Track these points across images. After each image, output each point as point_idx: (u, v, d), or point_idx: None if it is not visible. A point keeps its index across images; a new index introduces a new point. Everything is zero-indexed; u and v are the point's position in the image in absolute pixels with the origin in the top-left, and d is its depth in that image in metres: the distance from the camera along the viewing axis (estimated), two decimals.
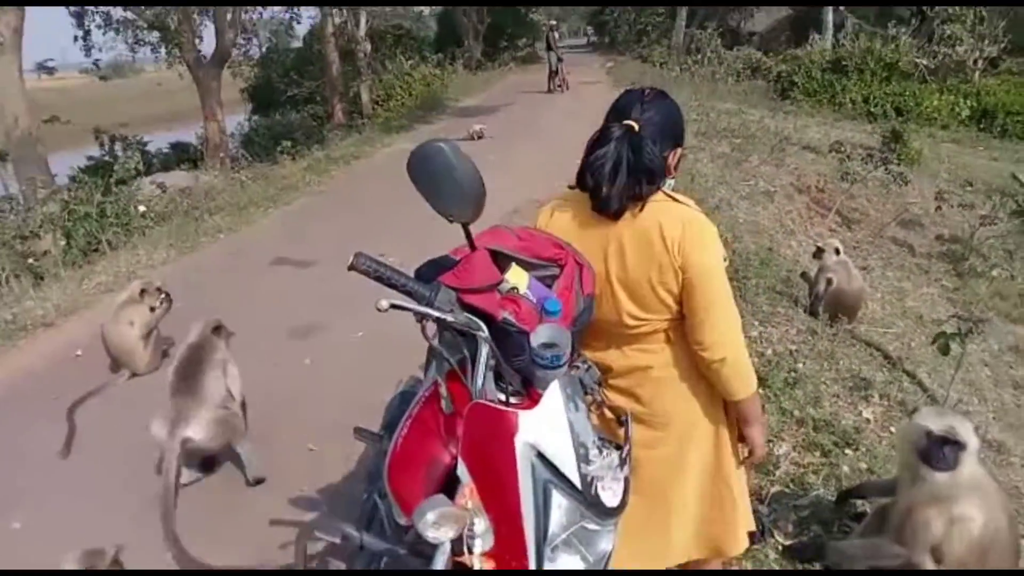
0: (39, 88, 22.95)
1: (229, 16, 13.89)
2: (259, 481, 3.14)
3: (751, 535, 2.02)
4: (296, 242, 6.67)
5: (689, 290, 1.72)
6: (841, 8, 21.28)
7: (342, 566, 2.23)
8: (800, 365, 4.01)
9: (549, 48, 17.50)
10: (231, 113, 18.68)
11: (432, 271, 1.62)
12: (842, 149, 9.92)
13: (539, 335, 1.57)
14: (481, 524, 1.45)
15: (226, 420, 3.07)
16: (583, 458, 1.47)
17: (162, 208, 8.61)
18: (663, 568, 1.97)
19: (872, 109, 16.50)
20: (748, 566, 2.54)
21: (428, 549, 1.53)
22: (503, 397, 1.60)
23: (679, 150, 1.82)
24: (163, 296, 4.26)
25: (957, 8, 17.10)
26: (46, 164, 9.32)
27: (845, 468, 3.06)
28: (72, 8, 15.78)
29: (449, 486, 1.53)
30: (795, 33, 24.51)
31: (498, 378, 1.62)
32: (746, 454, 1.94)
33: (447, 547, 1.48)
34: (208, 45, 14.74)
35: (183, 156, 16.11)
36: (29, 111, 8.93)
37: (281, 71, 23.31)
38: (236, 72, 21.63)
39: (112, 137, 15.89)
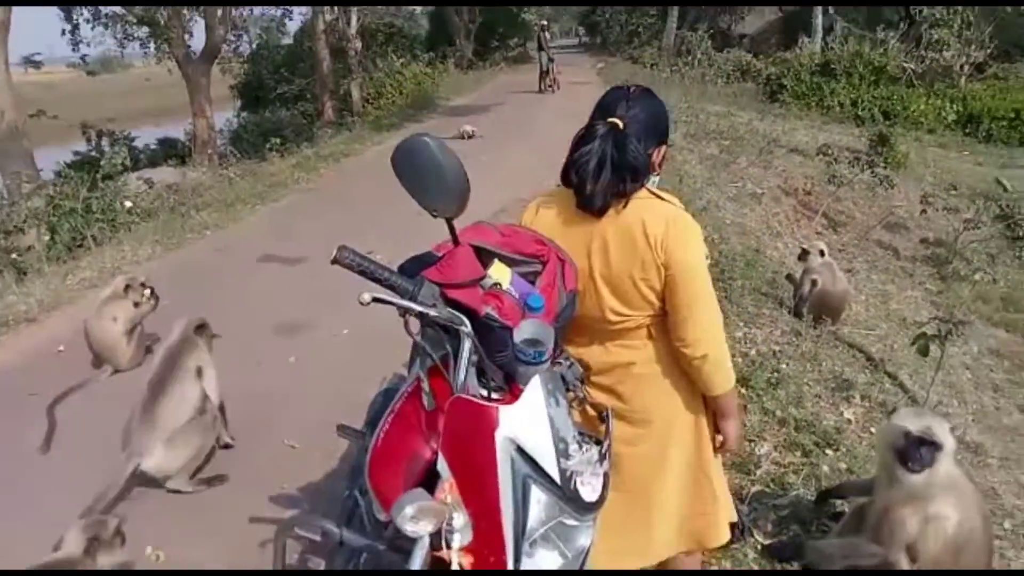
0: (25, 82, 22.78)
1: (220, 12, 13.83)
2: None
3: (732, 526, 2.05)
4: (283, 239, 6.65)
5: (672, 287, 1.74)
6: (831, 11, 21.41)
7: (321, 564, 2.23)
8: (783, 366, 4.04)
9: (540, 48, 17.53)
10: (220, 110, 18.58)
11: (416, 266, 1.62)
12: (829, 152, 10.01)
13: (522, 331, 1.58)
14: (460, 519, 1.45)
15: (187, 443, 2.99)
16: (563, 453, 1.48)
17: (148, 204, 8.55)
18: (645, 565, 1.98)
19: (860, 112, 16.62)
20: (727, 565, 2.56)
21: (408, 544, 1.53)
22: (485, 393, 1.61)
23: (664, 147, 1.84)
24: (148, 292, 4.24)
25: (944, 13, 17.25)
26: (31, 159, 9.22)
27: (825, 468, 3.09)
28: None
29: (430, 482, 1.53)
30: (785, 36, 24.68)
31: (481, 374, 1.64)
32: (719, 444, 1.96)
33: (426, 542, 1.48)
34: (198, 41, 14.69)
35: (171, 152, 16.01)
36: (15, 105, 8.84)
37: (271, 68, 23.23)
38: (226, 68, 21.53)
39: (99, 132, 15.77)
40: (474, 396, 1.55)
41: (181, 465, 3.00)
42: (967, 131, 16.39)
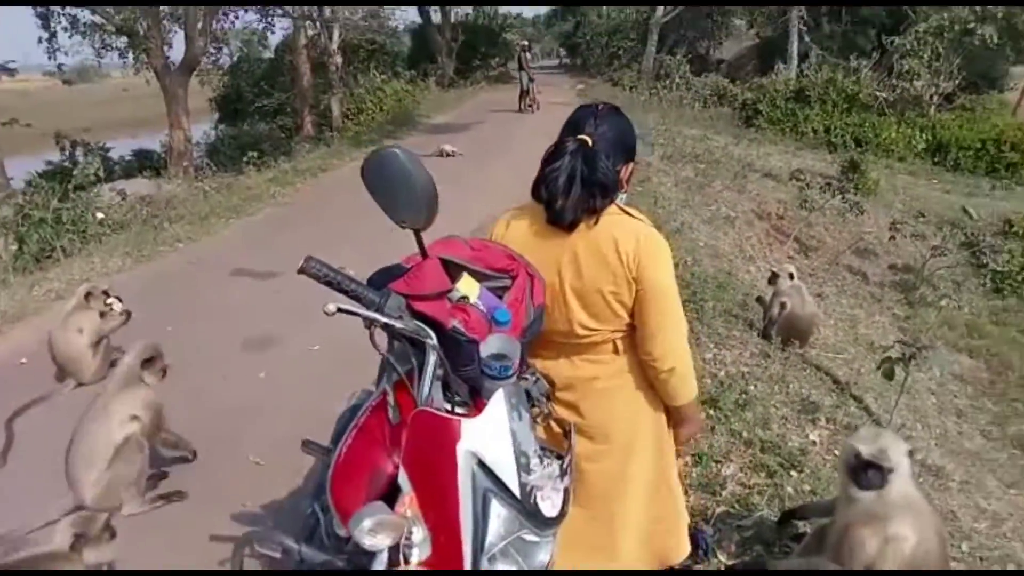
0: None
1: (200, 24, 13.77)
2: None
3: (692, 540, 2.11)
4: (257, 253, 6.60)
5: (642, 304, 1.78)
6: (806, 39, 21.86)
7: None
8: (752, 387, 4.09)
9: (521, 68, 17.65)
10: (198, 122, 18.47)
11: (384, 278, 1.63)
12: (802, 177, 10.20)
13: (489, 346, 1.59)
14: (419, 533, 1.46)
15: (117, 478, 2.92)
16: (524, 467, 1.49)
17: (121, 216, 8.45)
18: None
19: (833, 139, 16.95)
20: None
21: (366, 561, 1.53)
22: (449, 407, 1.62)
23: (631, 164, 1.88)
24: (112, 301, 4.18)
25: (915, 44, 17.69)
26: (2, 167, 9.10)
27: (789, 489, 3.12)
28: (38, 9, 15.52)
29: (393, 496, 1.53)
30: (761, 62, 25.14)
31: (446, 388, 1.64)
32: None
33: (384, 557, 1.48)
34: (177, 52, 14.60)
35: (146, 164, 15.86)
36: None
37: (251, 81, 23.15)
38: (205, 80, 21.41)
39: (73, 142, 15.58)
40: (438, 410, 1.55)
41: (118, 498, 2.94)
42: (936, 160, 16.77)
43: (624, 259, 1.75)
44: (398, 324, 1.50)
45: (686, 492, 3.09)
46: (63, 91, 24.33)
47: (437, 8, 28.22)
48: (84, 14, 15.61)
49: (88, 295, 4.14)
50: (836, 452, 3.55)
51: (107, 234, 7.71)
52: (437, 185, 1.55)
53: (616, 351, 1.88)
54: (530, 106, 17.53)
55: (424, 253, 1.61)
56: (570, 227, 1.77)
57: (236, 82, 23.62)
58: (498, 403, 1.50)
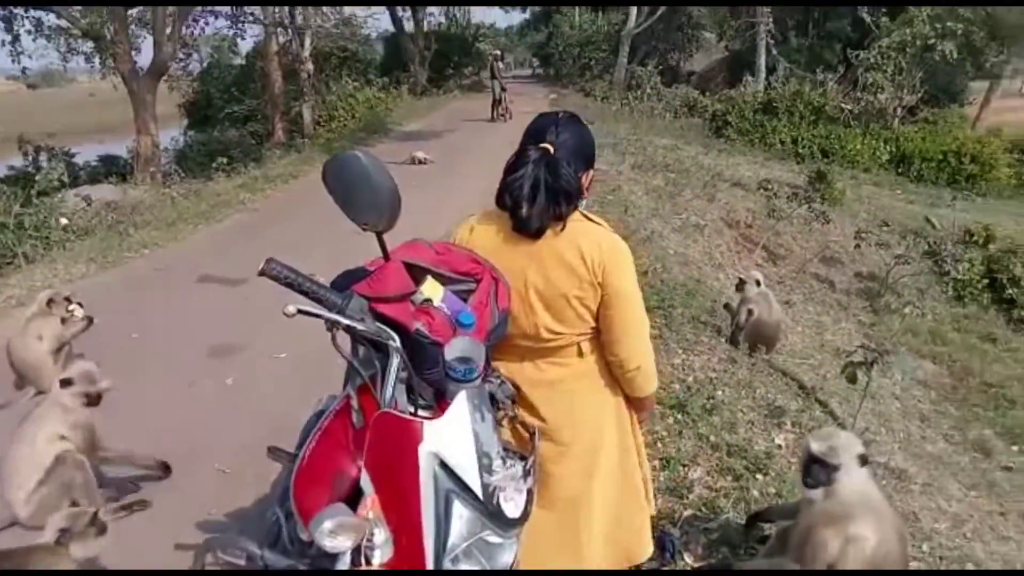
0: None
1: (169, 29, 13.62)
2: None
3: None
4: (225, 260, 6.52)
5: (607, 308, 1.82)
6: (773, 52, 22.25)
7: None
8: (719, 392, 4.13)
9: (493, 77, 17.71)
10: (166, 128, 18.23)
11: (347, 282, 1.63)
12: (770, 187, 10.36)
13: (453, 348, 1.59)
14: (381, 535, 1.45)
15: (50, 496, 2.85)
16: (486, 468, 1.49)
17: (86, 222, 8.32)
18: None
19: (800, 150, 17.25)
20: None
21: (329, 564, 1.51)
22: (413, 410, 1.61)
23: (591, 172, 1.89)
24: (74, 307, 4.10)
25: (879, 58, 18.10)
26: None
27: (755, 492, 3.15)
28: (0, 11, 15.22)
29: (356, 500, 1.52)
30: (730, 74, 25.50)
31: (411, 392, 1.64)
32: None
33: (347, 559, 1.47)
34: (146, 57, 14.42)
35: (112, 169, 15.59)
36: None
37: (221, 87, 22.92)
38: (174, 86, 21.16)
39: (37, 147, 15.30)
40: (401, 412, 1.55)
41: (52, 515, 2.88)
42: (900, 171, 17.17)
43: (589, 265, 1.78)
44: (360, 326, 1.49)
45: (654, 495, 3.12)
46: (27, 95, 23.90)
47: (410, 16, 28.25)
48: (49, 17, 15.32)
49: (50, 302, 4.05)
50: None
51: (71, 240, 7.57)
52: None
53: (580, 354, 1.90)
54: (502, 115, 17.58)
55: (386, 255, 1.61)
56: (536, 235, 1.78)
57: (206, 88, 23.38)
58: (460, 404, 1.50)
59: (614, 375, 1.93)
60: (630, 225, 7.57)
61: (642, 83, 22.44)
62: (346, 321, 1.48)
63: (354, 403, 1.63)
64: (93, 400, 3.00)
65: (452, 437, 1.47)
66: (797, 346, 6.51)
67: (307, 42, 19.01)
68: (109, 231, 7.74)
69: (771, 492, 3.17)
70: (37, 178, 8.98)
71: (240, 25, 18.19)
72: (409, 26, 28.56)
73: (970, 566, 3.05)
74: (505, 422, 1.83)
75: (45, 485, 2.83)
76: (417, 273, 1.69)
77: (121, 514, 2.97)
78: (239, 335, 4.82)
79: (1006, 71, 22.25)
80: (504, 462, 1.55)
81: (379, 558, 1.44)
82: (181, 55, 17.84)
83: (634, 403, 2.01)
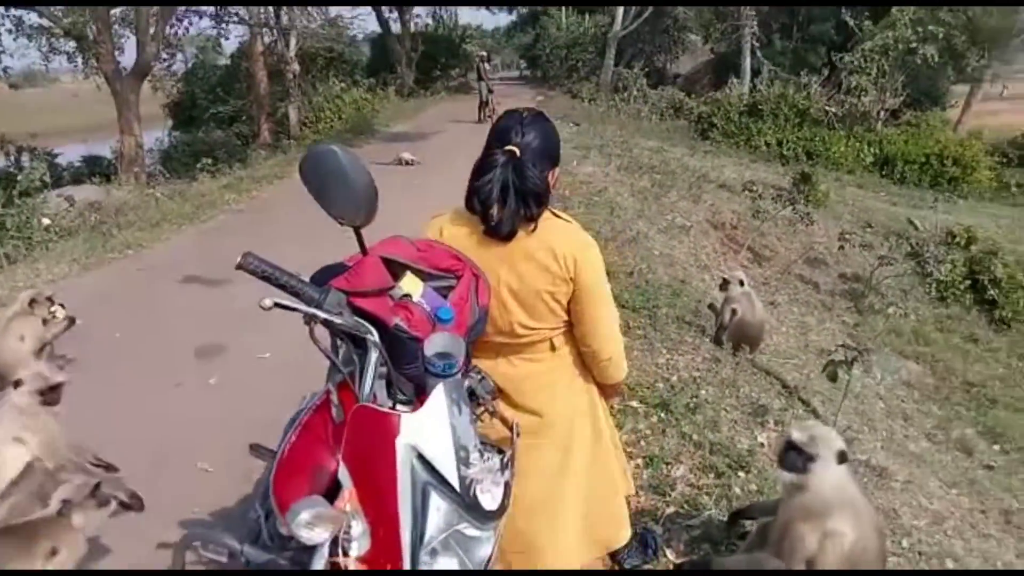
0: None
1: (152, 29, 13.54)
2: None
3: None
4: (209, 260, 6.49)
5: (579, 303, 1.86)
6: (758, 54, 22.41)
7: None
8: (703, 391, 4.15)
9: (480, 78, 17.73)
10: (151, 128, 18.11)
11: (326, 277, 1.62)
12: (754, 188, 10.42)
13: (433, 344, 1.60)
14: (358, 527, 1.45)
15: (18, 500, 2.76)
16: (463, 461, 1.50)
17: (69, 222, 8.26)
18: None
19: (785, 152, 17.39)
20: None
21: (307, 558, 1.51)
22: (392, 404, 1.62)
23: (556, 170, 1.91)
24: (57, 308, 4.07)
25: (862, 61, 18.28)
26: None
27: (737, 490, 3.17)
28: None
29: (335, 495, 1.52)
30: (716, 76, 25.64)
31: (391, 387, 1.64)
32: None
33: (324, 551, 1.47)
34: (129, 57, 14.32)
35: (96, 170, 15.47)
36: None
37: (206, 88, 22.80)
38: (158, 86, 21.03)
39: (19, 147, 15.15)
40: (380, 406, 1.55)
41: (32, 512, 2.83)
42: (883, 173, 17.34)
43: (562, 263, 1.81)
44: (337, 320, 1.49)
45: (636, 494, 3.13)
46: (9, 95, 23.63)
47: (397, 18, 28.21)
48: (30, 16, 15.20)
49: (32, 302, 4.01)
50: None
51: (53, 240, 7.51)
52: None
53: (553, 349, 1.94)
54: (489, 116, 17.58)
55: (364, 250, 1.62)
56: (508, 238, 1.80)
57: (191, 88, 23.25)
58: (438, 398, 1.51)
59: (586, 367, 1.99)
60: (616, 226, 7.60)
61: (628, 85, 22.56)
62: (323, 315, 1.48)
63: (334, 398, 1.63)
64: (50, 399, 2.94)
65: (429, 430, 1.47)
66: (781, 346, 6.56)
67: (292, 42, 18.96)
68: (92, 232, 7.68)
69: (753, 489, 3.19)
70: (19, 178, 8.88)
71: (224, 25, 18.10)
72: (396, 27, 28.54)
73: (949, 563, 3.09)
74: (485, 417, 1.84)
75: (18, 487, 2.80)
76: (397, 269, 1.69)
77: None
78: (223, 335, 4.80)
79: (986, 75, 22.49)
80: (482, 455, 1.56)
81: (356, 550, 1.44)
82: (165, 55, 17.74)
83: (604, 389, 2.07)
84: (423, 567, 1.46)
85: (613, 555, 2.70)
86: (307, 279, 1.63)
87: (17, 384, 2.87)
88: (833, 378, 4.01)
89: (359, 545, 1.46)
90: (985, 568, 3.41)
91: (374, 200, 1.55)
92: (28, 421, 2.86)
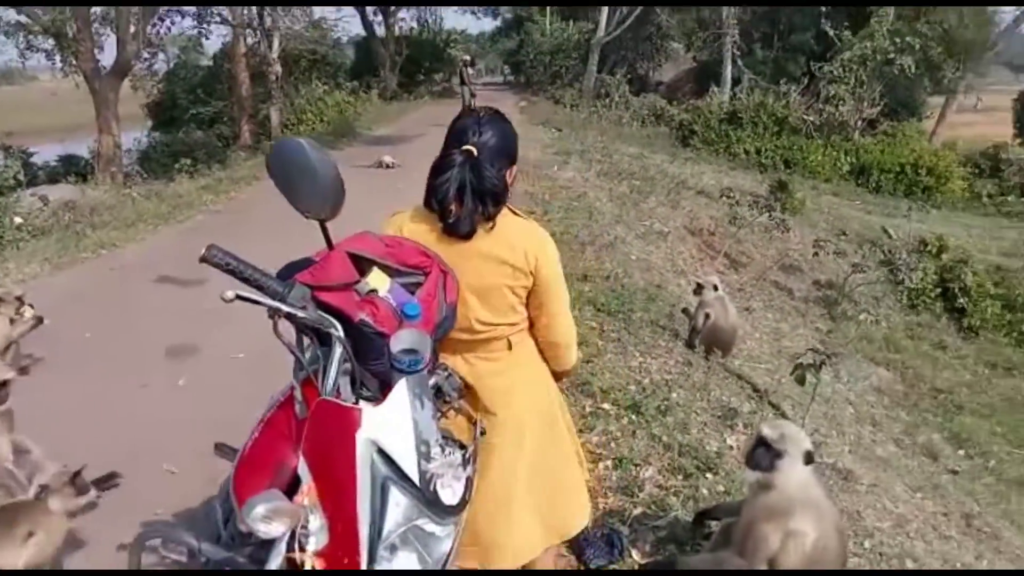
0: None
1: (133, 28, 13.43)
2: None
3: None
4: (184, 261, 6.41)
5: (538, 296, 1.92)
6: (739, 63, 22.65)
7: None
8: (674, 394, 4.19)
9: (463, 83, 17.80)
10: (130, 128, 17.94)
11: (292, 272, 1.63)
12: (732, 195, 10.54)
13: (400, 340, 1.60)
14: (316, 521, 1.46)
15: None
16: (424, 455, 1.50)
17: (42, 222, 8.18)
18: (515, 564, 2.03)
19: (763, 160, 17.60)
20: None
21: (265, 553, 1.51)
22: (355, 400, 1.62)
23: (514, 168, 1.93)
24: (25, 307, 4.02)
25: (841, 71, 18.54)
26: None
27: (705, 491, 3.21)
28: None
29: (296, 491, 1.53)
30: (697, 85, 25.90)
31: (357, 383, 1.64)
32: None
33: (282, 547, 1.47)
34: (109, 56, 14.19)
35: (72, 169, 15.30)
36: None
37: (187, 88, 22.62)
38: (138, 86, 20.83)
39: None
40: (344, 401, 1.56)
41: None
42: (859, 181, 17.61)
43: (523, 257, 1.85)
44: (301, 314, 1.49)
45: (604, 495, 3.16)
46: None
47: (381, 21, 28.18)
48: (8, 12, 15.01)
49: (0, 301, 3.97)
50: None
51: (25, 239, 7.43)
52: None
53: (509, 347, 1.97)
54: None
55: (330, 244, 1.63)
56: (467, 236, 1.83)
57: (172, 89, 23.06)
58: (400, 392, 1.51)
59: (542, 364, 2.04)
60: (594, 231, 7.65)
61: (611, 92, 22.70)
62: (287, 308, 1.48)
63: (298, 394, 1.63)
64: None
65: (390, 424, 1.47)
66: (755, 351, 6.63)
67: (276, 44, 18.86)
68: (66, 231, 7.60)
69: (720, 491, 3.23)
70: None
71: (206, 25, 17.98)
72: (380, 31, 28.50)
73: (909, 563, 3.14)
74: (451, 414, 1.86)
75: None
76: (364, 265, 1.70)
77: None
78: (196, 336, 4.76)
79: (961, 87, 22.91)
80: (443, 450, 1.56)
81: (314, 545, 1.44)
82: (146, 55, 17.60)
83: (557, 375, 2.14)
84: (381, 562, 1.46)
85: (579, 556, 2.73)
86: (274, 274, 1.64)
87: None
88: (801, 381, 4.07)
89: (317, 540, 1.46)
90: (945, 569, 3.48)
91: (340, 194, 1.56)
92: None
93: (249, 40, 19.35)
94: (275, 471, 1.58)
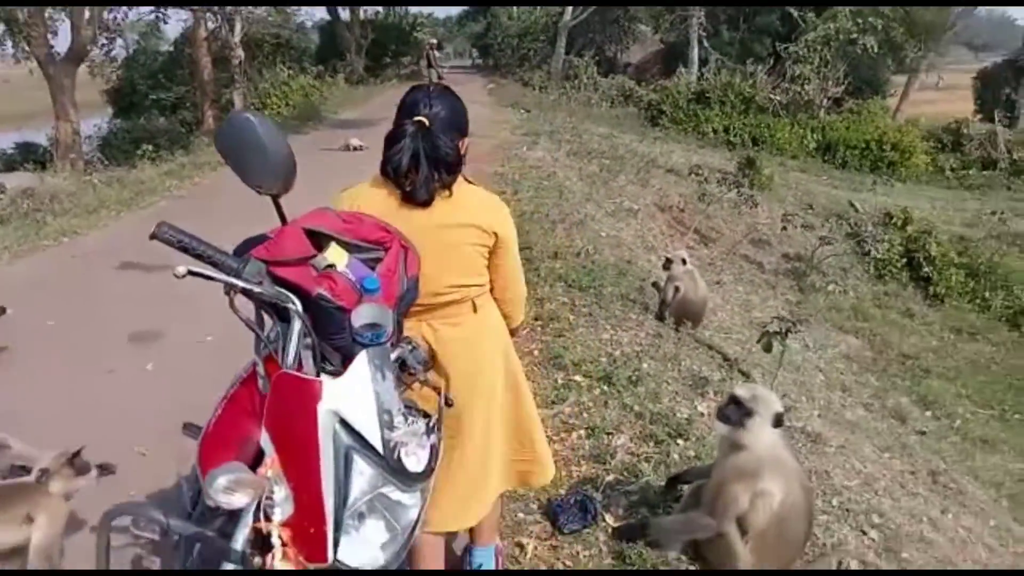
0: None
1: (88, 13, 13.06)
2: None
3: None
4: (147, 246, 6.12)
5: (497, 256, 2.01)
6: (706, 44, 22.75)
7: (156, 562, 2.14)
8: (645, 365, 4.23)
9: (430, 66, 17.64)
10: (90, 115, 17.51)
11: (248, 248, 1.60)
12: (701, 173, 10.61)
13: (361, 315, 1.58)
14: (281, 492, 1.45)
15: None
16: (387, 424, 1.49)
17: (0, 210, 7.94)
18: (485, 511, 2.14)
19: (731, 138, 17.74)
20: (579, 548, 2.64)
21: (232, 527, 1.50)
22: (317, 374, 1.61)
23: (466, 140, 1.96)
24: None
25: (806, 50, 18.74)
26: None
27: (676, 456, 3.25)
28: None
29: (261, 464, 1.52)
30: (665, 65, 25.97)
31: (320, 358, 1.63)
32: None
33: (248, 518, 1.47)
34: (64, 41, 13.79)
35: (30, 157, 14.91)
36: None
37: (147, 74, 22.12)
38: (96, 72, 20.29)
39: None
40: (307, 374, 1.54)
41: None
42: (825, 158, 17.88)
43: (484, 218, 1.93)
44: (256, 289, 1.47)
45: (578, 463, 3.19)
46: None
47: (346, 6, 27.77)
48: None
49: None
50: None
51: None
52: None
53: (475, 310, 2.01)
54: None
55: (284, 219, 1.61)
56: (426, 204, 1.86)
57: (131, 75, 22.52)
58: (361, 364, 1.50)
59: (502, 326, 2.13)
60: (564, 209, 7.65)
61: (579, 73, 22.68)
62: (242, 284, 1.45)
63: (260, 370, 1.62)
64: None
65: (351, 395, 1.47)
66: (725, 323, 6.70)
67: (237, 28, 18.50)
68: (25, 219, 7.41)
69: (691, 455, 3.27)
70: None
71: (163, 10, 17.55)
72: (345, 15, 28.08)
73: (875, 518, 3.21)
74: (416, 386, 1.85)
75: None
76: (323, 241, 1.68)
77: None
78: (162, 321, 4.69)
79: (923, 65, 23.30)
80: (406, 419, 1.56)
81: (280, 515, 1.44)
82: (103, 40, 17.12)
83: (512, 332, 2.23)
84: (349, 530, 1.46)
85: (554, 522, 2.76)
86: (230, 251, 1.61)
87: None
88: (768, 348, 4.13)
89: (282, 510, 1.46)
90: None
91: (292, 168, 1.55)
92: None
93: (210, 24, 18.96)
94: (240, 446, 1.57)
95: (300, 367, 1.56)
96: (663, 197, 10.63)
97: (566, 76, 23.65)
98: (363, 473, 1.46)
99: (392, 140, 1.85)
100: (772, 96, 18.80)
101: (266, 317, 1.67)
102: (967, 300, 10.47)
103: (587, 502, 2.79)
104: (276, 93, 18.70)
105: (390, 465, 1.49)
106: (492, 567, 2.39)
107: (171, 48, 24.73)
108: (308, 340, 1.58)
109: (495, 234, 1.95)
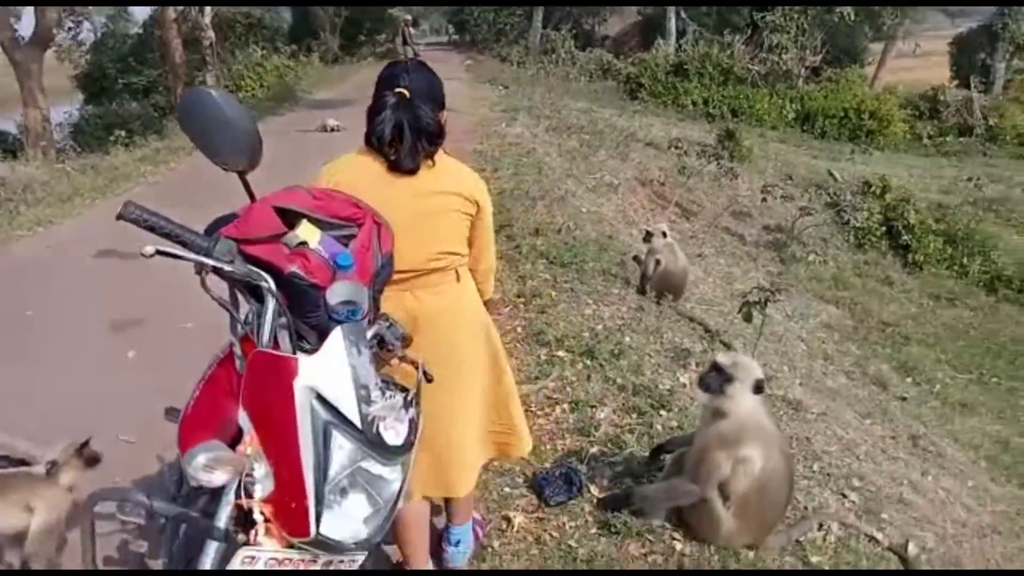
0: None
1: None
2: None
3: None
4: (124, 234, 6.08)
5: (475, 227, 2.06)
6: (683, 15, 22.62)
7: (144, 545, 2.14)
8: (627, 338, 4.25)
9: (405, 43, 17.41)
10: (60, 102, 17.16)
11: (218, 227, 1.59)
12: (680, 146, 10.60)
13: (336, 293, 1.58)
14: (261, 469, 1.46)
15: None
16: (364, 399, 1.50)
17: None
18: (470, 484, 2.19)
19: (710, 110, 17.73)
20: (565, 519, 2.68)
21: (215, 507, 1.51)
22: (293, 351, 1.60)
23: (444, 113, 2.00)
24: None
25: (783, 19, 18.67)
26: None
27: (659, 427, 3.29)
28: None
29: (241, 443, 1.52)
30: (643, 38, 25.82)
31: (298, 337, 1.63)
32: None
33: (230, 496, 1.47)
34: (28, 25, 13.47)
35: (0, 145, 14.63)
36: None
37: (116, 58, 21.67)
38: (64, 57, 19.86)
39: None
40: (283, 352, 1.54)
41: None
42: (804, 128, 17.91)
43: (467, 187, 1.99)
44: (227, 267, 1.46)
45: (562, 436, 3.22)
46: None
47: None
48: None
49: None
50: None
51: None
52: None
53: (458, 279, 2.05)
54: None
55: (252, 196, 1.60)
56: (411, 173, 1.90)
57: (100, 59, 22.06)
58: (336, 340, 1.51)
59: (480, 298, 2.17)
60: (544, 185, 7.63)
61: (557, 48, 22.47)
62: (212, 262, 1.45)
63: (237, 350, 1.62)
64: None
65: (328, 371, 1.47)
66: (707, 295, 6.75)
67: (207, 8, 18.13)
68: None
69: (674, 426, 3.31)
70: None
71: None
72: None
73: (856, 481, 3.28)
74: (394, 362, 1.85)
75: None
76: (294, 219, 1.67)
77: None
78: (141, 308, 4.65)
79: (900, 32, 23.32)
80: (383, 393, 1.57)
81: (260, 492, 1.45)
82: (70, 23, 16.75)
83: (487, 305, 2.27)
84: (332, 505, 1.47)
85: (539, 495, 2.79)
86: (201, 231, 1.60)
87: None
88: (748, 318, 4.17)
89: (263, 487, 1.46)
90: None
91: (257, 144, 1.54)
92: None
93: (179, 6, 18.56)
94: (219, 426, 1.57)
95: (276, 346, 1.56)
96: (643, 171, 10.63)
97: (544, 51, 23.44)
98: (342, 447, 1.46)
99: (374, 111, 1.89)
100: (750, 67, 18.75)
101: (241, 298, 1.67)
102: (945, 267, 10.59)
103: (572, 474, 2.83)
104: (250, 74, 18.42)
105: (369, 439, 1.50)
106: (470, 543, 2.43)
107: (140, 30, 24.22)
108: (283, 319, 1.57)
109: (476, 203, 2.00)
